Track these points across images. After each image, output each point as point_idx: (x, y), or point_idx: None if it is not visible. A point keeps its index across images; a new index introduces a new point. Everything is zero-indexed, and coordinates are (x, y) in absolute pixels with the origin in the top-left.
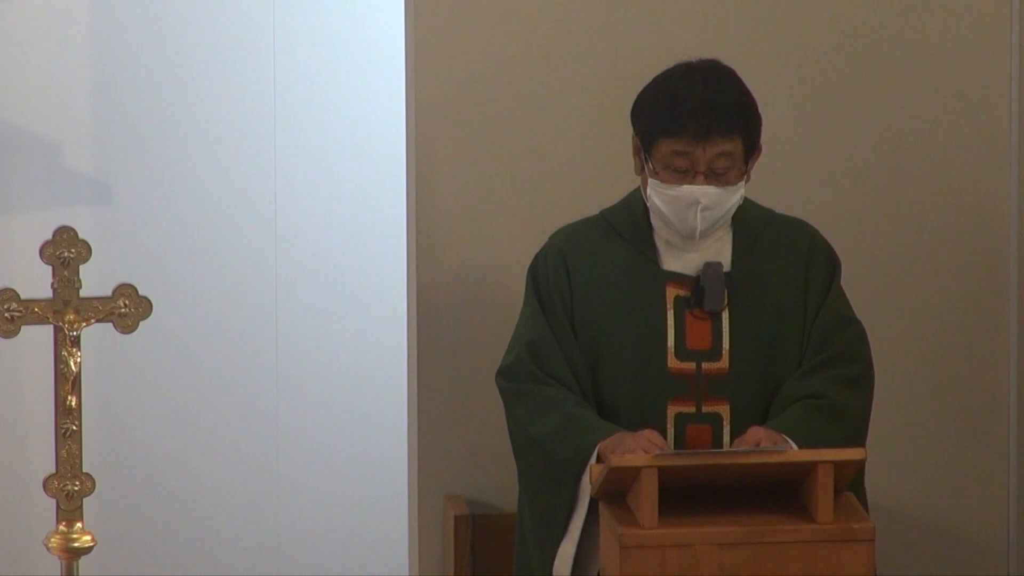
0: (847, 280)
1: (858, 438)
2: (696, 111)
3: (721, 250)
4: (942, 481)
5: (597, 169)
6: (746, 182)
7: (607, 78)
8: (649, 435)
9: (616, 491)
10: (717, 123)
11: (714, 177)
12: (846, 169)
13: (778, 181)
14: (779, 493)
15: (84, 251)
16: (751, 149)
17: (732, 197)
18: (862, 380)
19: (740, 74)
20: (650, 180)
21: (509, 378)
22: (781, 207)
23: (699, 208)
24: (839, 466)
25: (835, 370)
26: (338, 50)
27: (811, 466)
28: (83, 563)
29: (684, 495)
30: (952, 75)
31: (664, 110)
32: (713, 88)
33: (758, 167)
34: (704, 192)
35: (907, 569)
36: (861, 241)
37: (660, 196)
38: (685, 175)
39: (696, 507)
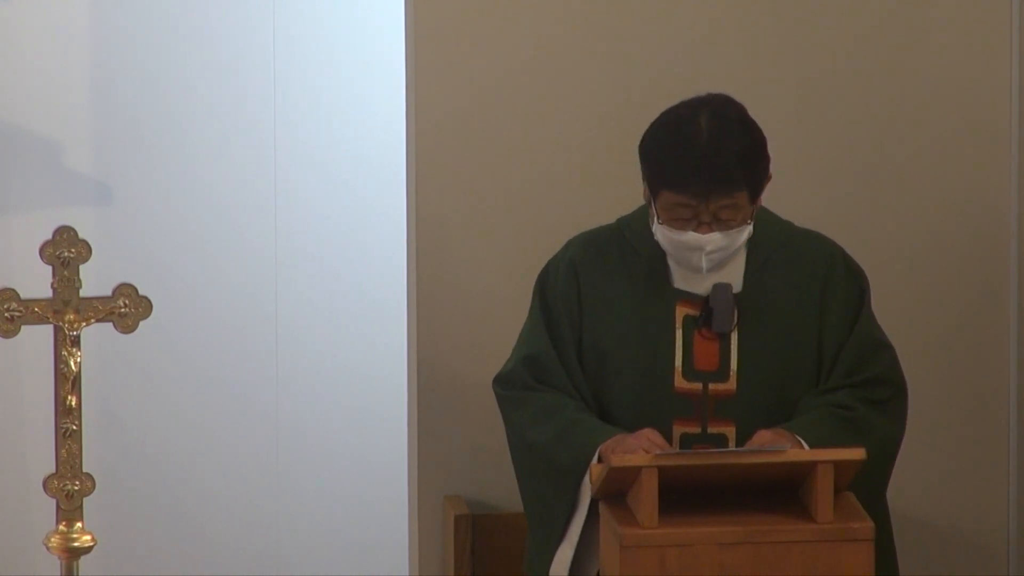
0: None
1: (883, 462)
2: (699, 170)
3: (733, 270)
4: (942, 481)
5: (596, 174)
6: (756, 209)
7: (608, 85)
8: (649, 434)
9: (616, 491)
10: (719, 183)
11: (719, 224)
12: (846, 169)
13: (778, 182)
14: (779, 493)
15: (84, 251)
16: (757, 193)
17: (739, 238)
18: (890, 403)
19: (741, 77)
20: (655, 220)
21: (505, 386)
22: (781, 208)
23: (704, 253)
24: (839, 466)
25: (861, 392)
26: (338, 51)
27: (811, 466)
28: (83, 563)
29: (684, 495)
30: (952, 75)
31: (668, 163)
32: (716, 141)
33: None
34: (709, 239)
35: (907, 569)
36: (861, 241)
37: (665, 238)
38: (689, 222)
39: (696, 507)
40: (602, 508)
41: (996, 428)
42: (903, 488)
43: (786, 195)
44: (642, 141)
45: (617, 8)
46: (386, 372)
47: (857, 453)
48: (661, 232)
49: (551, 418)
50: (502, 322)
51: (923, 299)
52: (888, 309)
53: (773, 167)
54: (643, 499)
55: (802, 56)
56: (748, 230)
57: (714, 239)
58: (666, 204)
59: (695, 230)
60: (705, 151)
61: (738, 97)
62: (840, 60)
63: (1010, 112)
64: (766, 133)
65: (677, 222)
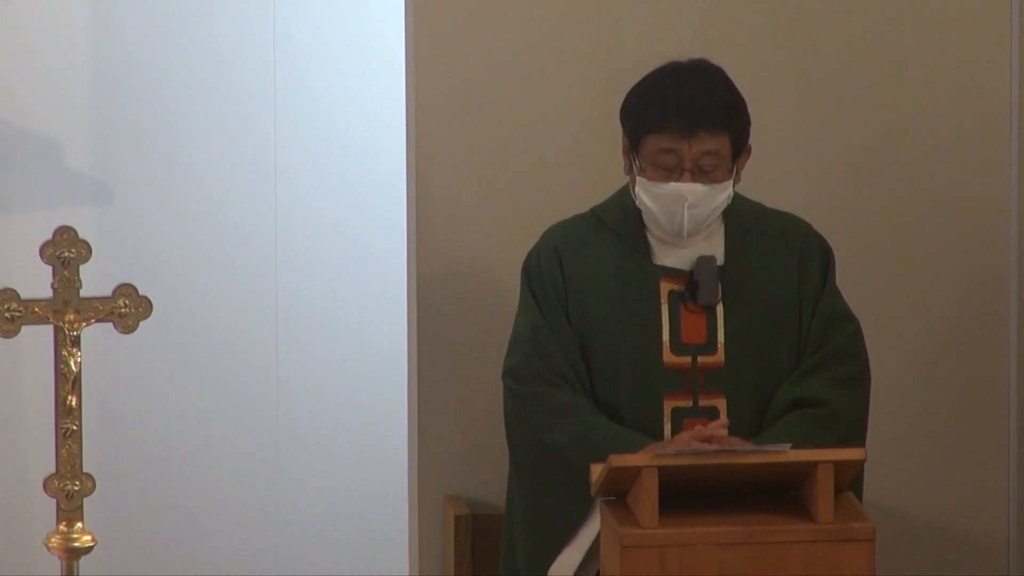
0: (847, 279)
1: (856, 440)
2: (682, 107)
3: (713, 244)
4: (942, 481)
5: (595, 168)
6: (735, 183)
7: (604, 78)
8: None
9: (616, 491)
10: (703, 119)
11: (701, 175)
12: (846, 168)
13: (778, 179)
14: (779, 493)
15: (84, 251)
16: (739, 148)
17: (719, 195)
18: (859, 379)
19: (738, 72)
20: (638, 178)
21: (519, 379)
22: (780, 205)
23: (686, 205)
24: (839, 466)
25: (832, 370)
26: (338, 50)
27: (811, 466)
28: (83, 563)
29: (684, 495)
30: (952, 75)
31: (651, 107)
32: (700, 86)
33: (758, 165)
34: (691, 189)
35: (907, 569)
36: (861, 240)
37: (648, 193)
38: (672, 172)
39: (696, 507)
40: (602, 508)
41: (996, 428)
42: (903, 488)
43: (785, 192)
44: (623, 103)
45: (617, 7)
46: (386, 372)
47: (857, 453)
48: (643, 188)
49: (566, 419)
50: (502, 322)
51: (923, 298)
52: (888, 309)
53: (772, 164)
54: (643, 499)
55: (801, 54)
56: (728, 190)
57: (696, 190)
58: (650, 153)
59: (677, 180)
60: (691, 92)
61: None
62: (840, 59)
63: (1010, 112)
64: (764, 130)
65: (660, 172)
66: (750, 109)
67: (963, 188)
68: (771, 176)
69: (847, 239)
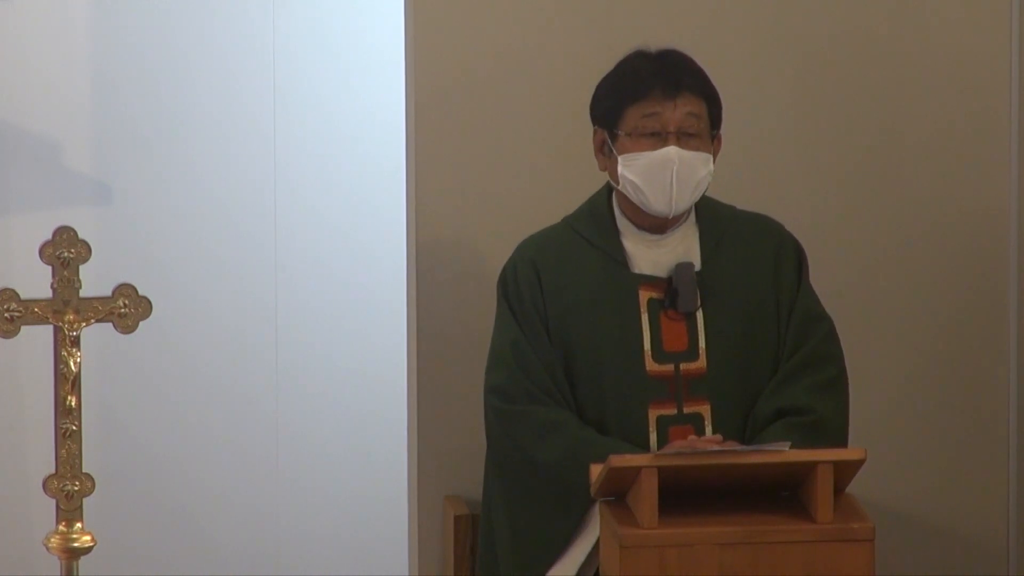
0: (846, 280)
1: (841, 445)
2: (661, 72)
3: (689, 248)
4: (942, 481)
5: (595, 166)
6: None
7: (602, 74)
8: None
9: (616, 491)
10: (683, 80)
11: (685, 139)
12: (845, 168)
13: (776, 180)
14: (779, 493)
15: (84, 251)
16: (715, 121)
17: (703, 166)
18: (837, 382)
19: (737, 74)
20: (620, 159)
21: (505, 398)
22: (779, 206)
23: (674, 169)
24: (839, 466)
25: (811, 376)
26: (338, 49)
27: (811, 466)
28: (83, 563)
29: (684, 495)
30: (952, 74)
31: (627, 81)
32: (671, 57)
33: (757, 165)
34: (678, 153)
35: (907, 569)
36: (860, 240)
37: (633, 168)
38: (657, 139)
39: (696, 507)
40: (602, 508)
41: (996, 428)
42: (903, 488)
43: (784, 194)
44: (593, 95)
45: (615, 5)
46: (386, 372)
47: (857, 453)
48: (627, 164)
49: (554, 436)
50: None
51: (923, 299)
52: (888, 309)
53: (770, 164)
54: (643, 499)
55: (801, 54)
56: (710, 165)
57: (683, 153)
58: (632, 123)
59: (663, 146)
60: (664, 62)
61: (735, 96)
62: (838, 59)
63: (1010, 112)
64: (764, 131)
65: (644, 141)
66: (749, 111)
67: (963, 189)
68: (769, 177)
69: (846, 240)
